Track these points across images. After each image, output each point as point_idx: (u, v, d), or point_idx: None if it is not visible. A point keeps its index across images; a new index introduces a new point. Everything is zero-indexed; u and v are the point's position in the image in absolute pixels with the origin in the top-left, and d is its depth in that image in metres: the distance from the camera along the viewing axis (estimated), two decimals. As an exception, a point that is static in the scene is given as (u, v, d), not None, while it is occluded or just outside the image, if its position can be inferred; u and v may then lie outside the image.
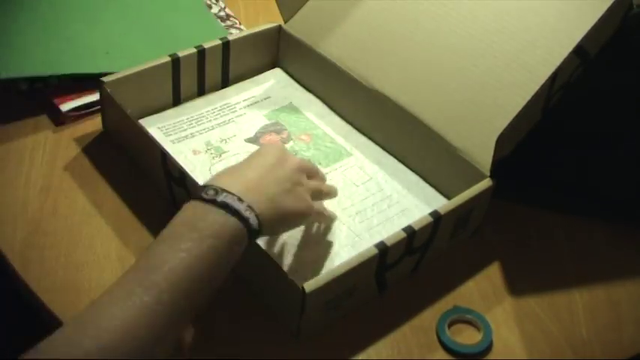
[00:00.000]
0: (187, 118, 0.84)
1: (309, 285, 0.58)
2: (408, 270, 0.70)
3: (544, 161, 0.78)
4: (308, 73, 0.90)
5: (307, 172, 0.65)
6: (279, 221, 0.60)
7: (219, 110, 0.86)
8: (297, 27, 0.89)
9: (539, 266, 0.74)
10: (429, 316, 0.67)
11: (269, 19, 0.93)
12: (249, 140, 0.82)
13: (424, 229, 0.66)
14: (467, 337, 0.66)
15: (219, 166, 0.77)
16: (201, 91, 0.87)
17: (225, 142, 0.81)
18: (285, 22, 0.91)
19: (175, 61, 0.81)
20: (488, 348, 0.65)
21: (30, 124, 0.83)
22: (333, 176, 0.79)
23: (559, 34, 0.71)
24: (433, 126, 0.76)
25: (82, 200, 0.75)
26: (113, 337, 0.47)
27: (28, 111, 0.84)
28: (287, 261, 0.69)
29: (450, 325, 0.67)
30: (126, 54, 0.89)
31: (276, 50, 0.92)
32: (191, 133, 0.82)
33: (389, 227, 0.73)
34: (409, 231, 0.64)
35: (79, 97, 0.84)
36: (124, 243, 0.71)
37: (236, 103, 0.87)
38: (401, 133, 0.80)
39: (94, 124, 0.83)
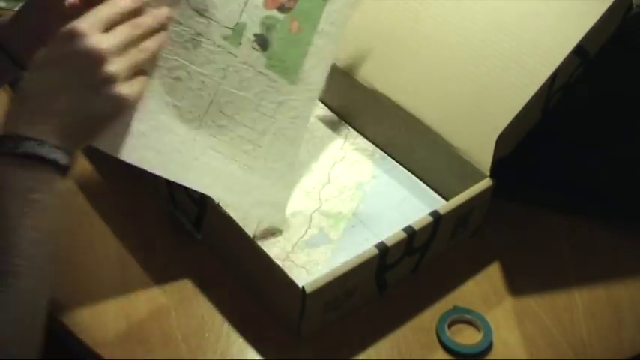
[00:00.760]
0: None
1: (309, 285, 0.58)
2: (408, 270, 0.70)
3: (544, 161, 0.78)
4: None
5: (108, 21, 0.54)
6: (87, 134, 0.55)
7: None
8: (297, 27, 0.89)
9: (539, 266, 0.74)
10: (429, 316, 0.67)
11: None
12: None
13: (424, 229, 0.66)
14: (467, 337, 0.66)
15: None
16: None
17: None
18: (285, 22, 0.91)
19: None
20: (488, 348, 0.65)
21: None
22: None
23: (559, 34, 0.71)
24: (433, 126, 0.76)
25: (82, 201, 0.75)
26: None
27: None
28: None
29: (450, 325, 0.66)
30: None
31: (276, 50, 0.92)
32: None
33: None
34: (409, 231, 0.64)
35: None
36: (124, 244, 0.71)
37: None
38: (401, 133, 0.80)
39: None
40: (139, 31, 0.56)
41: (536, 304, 0.70)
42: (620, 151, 0.76)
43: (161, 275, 0.68)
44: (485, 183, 0.70)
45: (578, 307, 0.70)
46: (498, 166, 0.71)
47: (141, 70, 0.57)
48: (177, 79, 0.63)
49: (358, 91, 0.83)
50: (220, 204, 0.66)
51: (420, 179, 0.80)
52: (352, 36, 0.85)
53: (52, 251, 0.52)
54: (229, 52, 0.65)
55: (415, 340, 0.65)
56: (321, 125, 0.86)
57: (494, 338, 0.66)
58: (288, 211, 0.74)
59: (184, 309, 0.66)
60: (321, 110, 0.88)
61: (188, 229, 0.72)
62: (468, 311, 0.67)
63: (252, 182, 0.68)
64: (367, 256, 0.62)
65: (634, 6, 0.70)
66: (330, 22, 0.70)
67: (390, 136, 0.82)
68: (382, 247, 0.62)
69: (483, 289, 0.71)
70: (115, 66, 0.53)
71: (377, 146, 0.84)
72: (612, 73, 0.73)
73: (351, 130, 0.86)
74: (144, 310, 0.65)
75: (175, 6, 0.61)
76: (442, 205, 0.68)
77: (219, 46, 0.65)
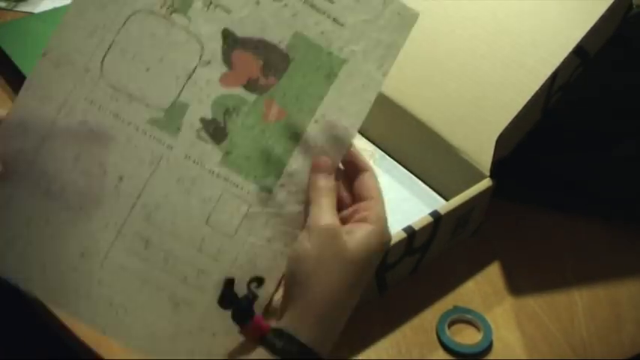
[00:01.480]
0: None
1: (309, 285, 0.58)
2: (408, 270, 0.70)
3: (544, 161, 0.78)
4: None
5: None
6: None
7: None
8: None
9: (539, 266, 0.74)
10: (429, 316, 0.67)
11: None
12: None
13: (424, 229, 0.66)
14: (467, 337, 0.66)
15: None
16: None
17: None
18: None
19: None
20: (488, 348, 0.65)
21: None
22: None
23: (559, 34, 0.71)
24: (433, 126, 0.76)
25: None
26: None
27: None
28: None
29: (450, 325, 0.66)
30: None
31: (276, 50, 0.92)
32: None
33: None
34: (409, 231, 0.64)
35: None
36: (123, 243, 0.71)
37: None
38: (401, 133, 0.80)
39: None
40: None
41: (536, 304, 0.70)
42: (620, 151, 0.76)
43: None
44: (485, 183, 0.70)
45: (578, 307, 0.70)
46: (498, 166, 0.71)
47: None
48: (88, 181, 0.49)
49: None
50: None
51: (420, 179, 0.80)
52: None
53: None
54: (161, 142, 0.49)
55: (415, 340, 0.65)
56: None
57: (494, 338, 0.66)
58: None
59: (184, 309, 0.66)
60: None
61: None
62: (468, 311, 0.67)
63: (186, 325, 0.49)
64: (367, 256, 0.61)
65: (634, 6, 0.70)
66: (339, 108, 0.50)
67: (390, 136, 0.82)
68: (382, 247, 0.62)
69: (483, 289, 0.71)
70: None
71: (377, 146, 0.84)
72: (612, 73, 0.73)
73: (351, 130, 0.86)
74: (144, 310, 0.65)
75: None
76: (442, 205, 0.68)
77: (144, 133, 0.49)
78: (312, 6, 0.50)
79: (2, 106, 0.85)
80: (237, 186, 0.50)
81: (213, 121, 0.50)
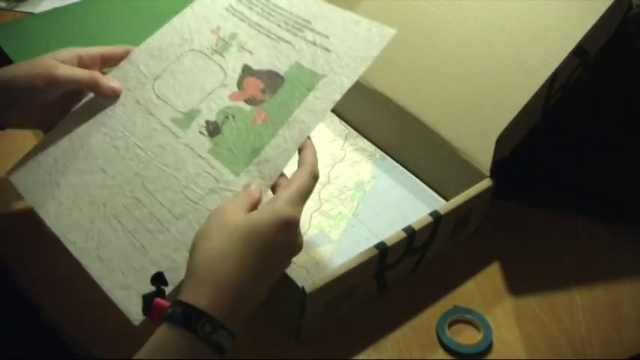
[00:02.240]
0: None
1: (309, 285, 0.58)
2: (408, 270, 0.70)
3: (544, 161, 0.78)
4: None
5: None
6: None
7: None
8: (297, 27, 0.89)
9: (539, 266, 0.74)
10: (429, 316, 0.67)
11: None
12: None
13: (424, 229, 0.66)
14: (467, 337, 0.66)
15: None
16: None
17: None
18: (285, 22, 0.91)
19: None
20: (488, 348, 0.65)
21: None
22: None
23: (559, 34, 0.71)
24: (433, 126, 0.76)
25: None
26: None
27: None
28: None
29: (450, 325, 0.67)
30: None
31: (276, 50, 0.92)
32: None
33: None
34: (409, 231, 0.64)
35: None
36: (123, 243, 0.71)
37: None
38: (401, 133, 0.80)
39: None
40: None
41: (536, 304, 0.70)
42: (620, 151, 0.76)
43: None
44: (485, 183, 0.70)
45: (578, 307, 0.70)
46: (498, 166, 0.71)
47: None
48: (116, 147, 0.66)
49: (358, 91, 0.83)
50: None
51: (420, 179, 0.80)
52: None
53: None
54: (173, 133, 0.65)
55: (415, 340, 0.65)
56: (321, 125, 0.86)
57: (494, 338, 0.66)
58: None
59: (184, 309, 0.66)
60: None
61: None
62: (468, 311, 0.67)
63: (135, 263, 0.60)
64: (367, 256, 0.62)
65: (634, 6, 0.70)
66: (309, 110, 0.62)
67: (390, 136, 0.82)
68: (382, 247, 0.62)
69: (483, 289, 0.71)
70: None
71: (377, 146, 0.84)
72: (612, 73, 0.73)
73: (351, 130, 0.86)
74: (144, 310, 0.65)
75: None
76: (442, 205, 0.68)
77: (164, 126, 0.66)
78: (313, 43, 0.66)
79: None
80: (213, 167, 0.62)
81: (215, 122, 0.64)
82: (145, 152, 0.65)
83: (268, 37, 0.68)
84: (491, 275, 0.72)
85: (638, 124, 0.75)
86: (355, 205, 0.76)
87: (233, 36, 0.70)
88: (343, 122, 0.87)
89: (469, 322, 0.67)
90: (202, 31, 0.71)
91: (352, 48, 0.64)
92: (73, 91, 0.68)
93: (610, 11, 0.67)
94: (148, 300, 0.58)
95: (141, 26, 0.96)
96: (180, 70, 0.69)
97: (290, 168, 0.60)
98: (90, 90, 0.69)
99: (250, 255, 0.52)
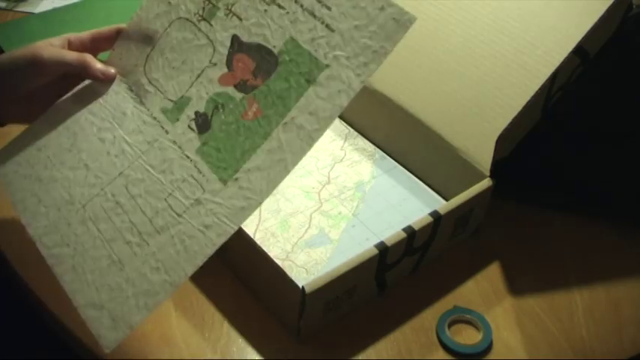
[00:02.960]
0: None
1: (309, 285, 0.58)
2: (408, 270, 0.70)
3: (544, 161, 0.78)
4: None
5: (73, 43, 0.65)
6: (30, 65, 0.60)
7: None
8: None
9: (539, 266, 0.74)
10: (429, 316, 0.67)
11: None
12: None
13: (424, 229, 0.66)
14: (467, 337, 0.66)
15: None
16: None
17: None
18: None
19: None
20: (488, 348, 0.65)
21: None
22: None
23: (559, 34, 0.71)
24: (433, 126, 0.76)
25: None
26: None
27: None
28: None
29: (450, 325, 0.67)
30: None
31: (276, 50, 0.92)
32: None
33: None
34: (409, 231, 0.64)
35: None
36: (123, 243, 0.71)
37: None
38: (401, 133, 0.80)
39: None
40: None
41: (536, 304, 0.70)
42: (620, 151, 0.76)
43: (161, 275, 0.68)
44: (485, 183, 0.70)
45: (578, 307, 0.70)
46: (498, 166, 0.71)
47: None
48: (102, 140, 0.61)
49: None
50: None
51: (420, 179, 0.80)
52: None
53: None
54: (162, 127, 0.60)
55: (415, 340, 0.65)
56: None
57: (494, 338, 0.66)
58: (288, 211, 0.74)
59: (184, 309, 0.66)
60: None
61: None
62: (468, 311, 0.67)
63: (110, 280, 0.56)
64: (367, 256, 0.62)
65: (634, 6, 0.70)
66: (309, 112, 0.53)
67: (390, 136, 0.82)
68: (382, 247, 0.62)
69: (483, 289, 0.71)
70: None
71: (377, 146, 0.84)
72: (612, 73, 0.73)
73: (351, 130, 0.86)
74: (144, 310, 0.65)
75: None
76: (442, 205, 0.68)
77: (154, 118, 0.60)
78: (311, 13, 0.55)
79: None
80: (200, 172, 0.56)
81: (204, 114, 0.58)
82: (131, 148, 0.60)
83: None
84: (491, 275, 0.72)
85: (638, 123, 0.75)
86: (355, 205, 0.76)
87: None
88: (343, 122, 0.87)
89: (469, 322, 0.67)
90: None
91: (361, 32, 0.54)
92: (72, 81, 0.66)
93: (610, 11, 0.67)
94: None
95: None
96: (168, 47, 0.62)
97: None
98: (80, 73, 0.65)
99: None
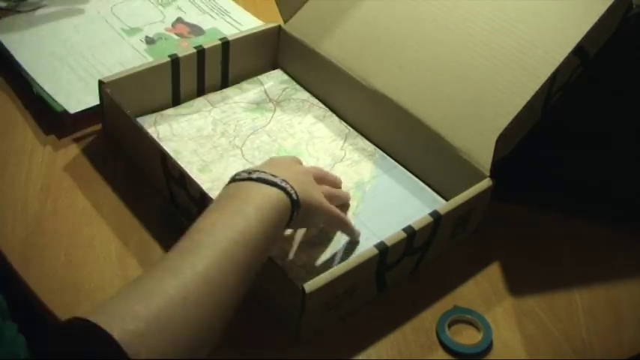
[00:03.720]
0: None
1: (309, 285, 0.58)
2: (408, 270, 0.70)
3: (544, 161, 0.78)
4: (307, 74, 0.90)
5: (318, 177, 0.68)
6: (307, 208, 0.61)
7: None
8: (296, 27, 0.89)
9: (539, 266, 0.74)
10: (429, 316, 0.67)
11: (269, 19, 0.93)
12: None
13: (424, 229, 0.66)
14: (467, 337, 0.66)
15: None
16: (200, 92, 0.87)
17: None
18: (285, 22, 0.91)
19: (175, 62, 0.81)
20: (488, 348, 0.65)
21: (30, 124, 0.83)
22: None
23: (559, 34, 0.71)
24: (433, 126, 0.76)
25: (82, 200, 0.75)
26: (195, 284, 0.48)
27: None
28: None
29: (450, 325, 0.66)
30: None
31: (276, 50, 0.92)
32: (191, 133, 0.82)
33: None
34: (409, 231, 0.64)
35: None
36: (123, 243, 0.71)
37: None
38: (401, 133, 0.80)
39: (94, 125, 0.83)
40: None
41: (536, 304, 0.70)
42: (620, 151, 0.76)
43: (161, 275, 0.68)
44: (485, 183, 0.70)
45: (578, 307, 0.70)
46: (498, 166, 0.71)
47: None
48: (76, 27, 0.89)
49: (358, 91, 0.83)
50: None
51: (420, 179, 0.80)
52: (352, 36, 0.85)
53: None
54: (120, 35, 0.95)
55: (415, 340, 0.65)
56: (321, 125, 0.86)
57: (494, 338, 0.66)
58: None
59: (184, 309, 0.66)
60: (321, 110, 0.88)
61: (188, 229, 0.71)
62: (468, 311, 0.67)
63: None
64: (367, 256, 0.62)
65: (634, 6, 0.70)
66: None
67: (390, 136, 0.82)
68: (382, 247, 0.62)
69: (483, 289, 0.71)
70: (318, 185, 0.67)
71: (377, 146, 0.84)
72: (612, 73, 0.73)
73: (351, 130, 0.86)
74: (144, 310, 0.65)
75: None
76: (442, 205, 0.68)
77: (115, 31, 0.95)
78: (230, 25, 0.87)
79: (2, 107, 0.86)
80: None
81: (152, 38, 0.93)
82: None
83: (199, 9, 0.98)
84: (491, 275, 0.72)
85: (638, 123, 0.75)
86: (355, 205, 0.76)
87: None
88: (343, 122, 0.87)
89: (469, 322, 0.67)
90: None
91: None
92: None
93: (610, 11, 0.67)
94: None
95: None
96: (134, 5, 0.97)
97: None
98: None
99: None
